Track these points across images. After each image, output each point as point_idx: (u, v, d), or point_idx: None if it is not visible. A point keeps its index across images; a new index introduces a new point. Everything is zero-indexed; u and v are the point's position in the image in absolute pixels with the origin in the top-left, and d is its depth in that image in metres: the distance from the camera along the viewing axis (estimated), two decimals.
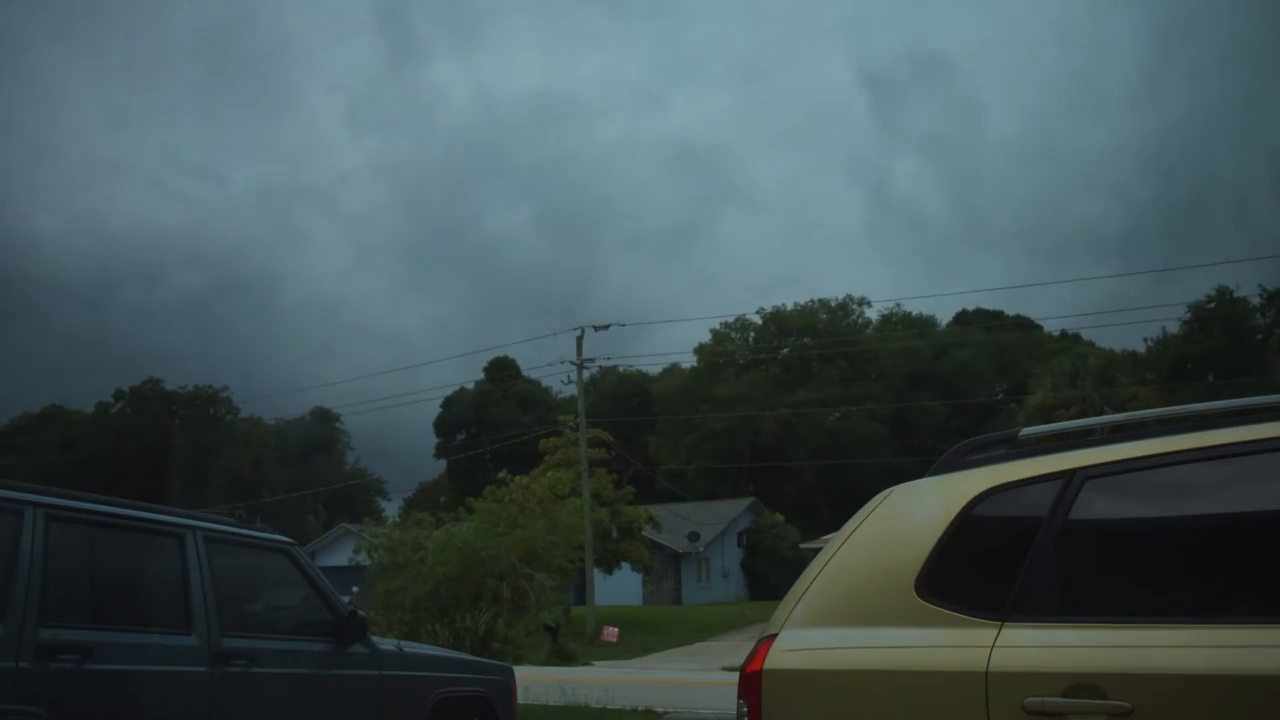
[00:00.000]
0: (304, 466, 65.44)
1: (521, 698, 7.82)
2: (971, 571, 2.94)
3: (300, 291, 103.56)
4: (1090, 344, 48.20)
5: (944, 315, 67.21)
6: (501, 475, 22.39)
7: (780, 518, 50.60)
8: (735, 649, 23.61)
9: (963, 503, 2.93)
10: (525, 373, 60.70)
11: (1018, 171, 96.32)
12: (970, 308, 65.53)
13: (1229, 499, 2.69)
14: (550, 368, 60.49)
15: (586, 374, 37.27)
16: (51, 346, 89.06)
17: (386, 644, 6.23)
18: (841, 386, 58.23)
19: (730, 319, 65.11)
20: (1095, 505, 2.78)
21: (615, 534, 35.51)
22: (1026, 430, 3.19)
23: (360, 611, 5.84)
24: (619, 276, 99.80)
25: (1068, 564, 2.77)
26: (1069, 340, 54.12)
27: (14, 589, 4.14)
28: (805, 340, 61.39)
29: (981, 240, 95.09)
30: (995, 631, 2.69)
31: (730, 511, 50.39)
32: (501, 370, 65.89)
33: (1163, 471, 2.73)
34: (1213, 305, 50.47)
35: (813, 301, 65.55)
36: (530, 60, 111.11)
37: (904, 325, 64.23)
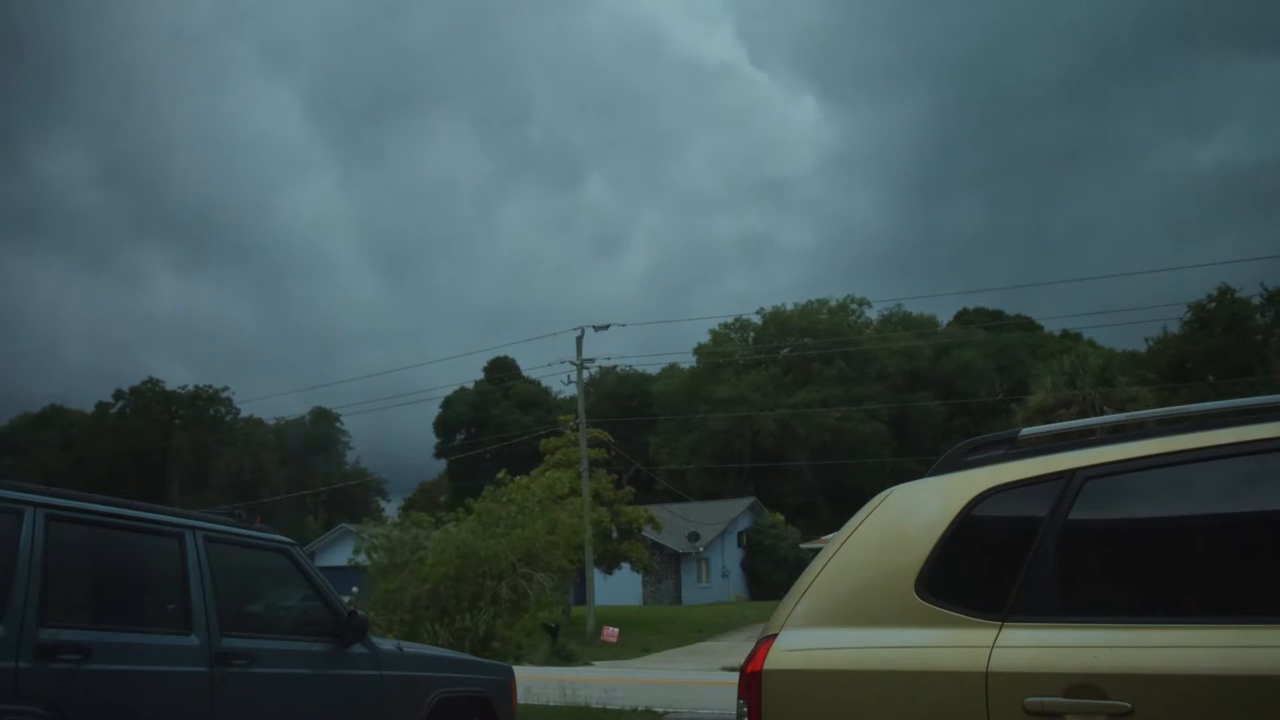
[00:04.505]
0: (304, 466, 65.42)
1: (521, 698, 7.82)
2: (972, 572, 2.94)
3: (301, 290, 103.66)
4: (1090, 344, 48.17)
5: (944, 315, 67.36)
6: (500, 476, 22.39)
7: (780, 518, 50.58)
8: (735, 649, 23.61)
9: (963, 503, 2.93)
10: (525, 373, 60.78)
11: (1017, 169, 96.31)
12: (971, 307, 65.62)
13: (1229, 499, 2.69)
14: (550, 368, 60.54)
15: (586, 374, 37.27)
16: (51, 346, 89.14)
17: (386, 644, 6.23)
18: (841, 387, 58.20)
19: (730, 319, 65.25)
20: (1095, 505, 2.78)
21: (615, 534, 35.49)
22: (1027, 430, 3.18)
23: (360, 611, 5.84)
24: (619, 276, 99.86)
25: (1068, 564, 2.77)
26: (1069, 340, 54.08)
27: (14, 589, 4.14)
28: (805, 340, 61.34)
29: (982, 239, 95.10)
30: (995, 632, 2.69)
31: (730, 511, 50.35)
32: (501, 370, 65.87)
33: (1163, 471, 2.73)
34: (1213, 305, 50.47)
35: (813, 301, 65.65)
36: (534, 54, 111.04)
37: (904, 325, 64.23)
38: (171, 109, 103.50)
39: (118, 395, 69.29)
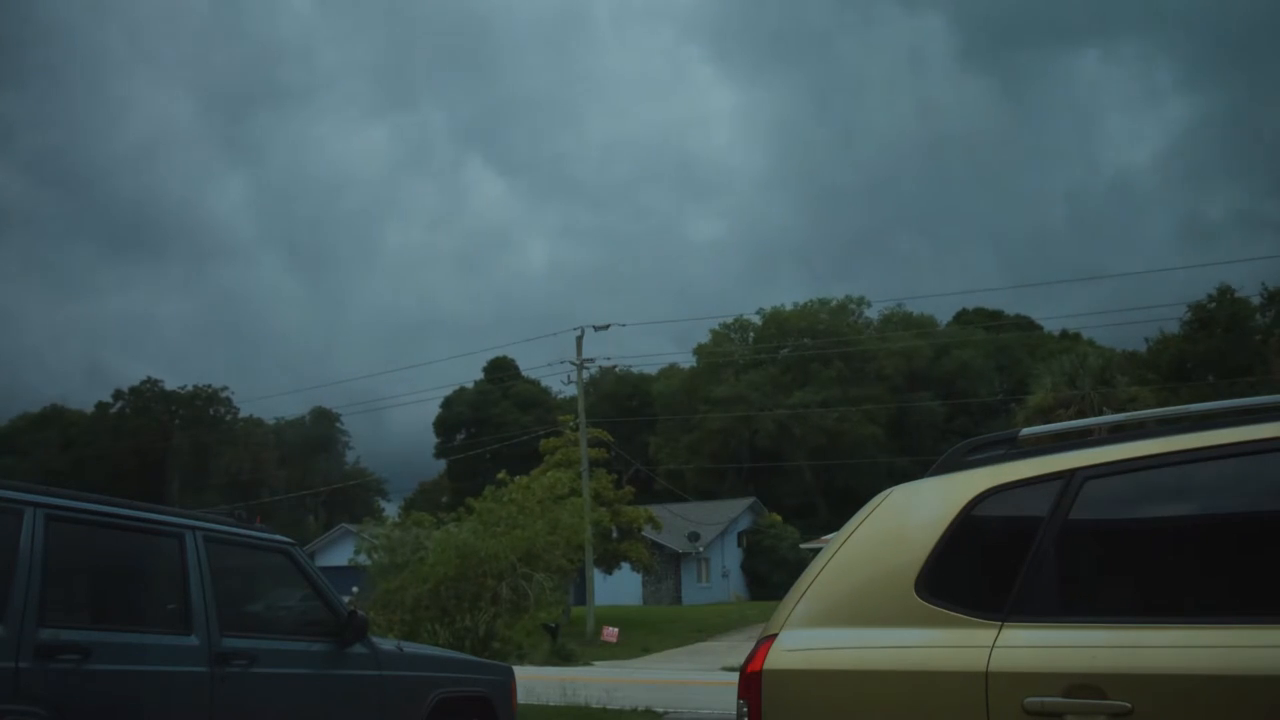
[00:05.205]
0: (304, 466, 65.40)
1: (521, 698, 7.82)
2: (972, 572, 2.94)
3: (301, 290, 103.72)
4: (1090, 344, 48.18)
5: (944, 315, 67.35)
6: (501, 476, 22.40)
7: (780, 518, 50.58)
8: (735, 649, 23.60)
9: (963, 503, 2.93)
10: (525, 373, 60.79)
11: (1017, 171, 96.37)
12: (970, 307, 65.60)
13: (1229, 499, 2.69)
14: (550, 368, 60.65)
15: (586, 374, 37.26)
16: (51, 346, 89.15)
17: (386, 644, 6.23)
18: (841, 387, 58.18)
19: (729, 319, 65.26)
20: (1095, 505, 2.78)
21: (615, 534, 35.48)
22: (1027, 430, 3.18)
23: (360, 611, 5.84)
24: (618, 277, 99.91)
25: (1068, 564, 2.77)
26: (1069, 340, 54.08)
27: (14, 589, 4.14)
28: (805, 340, 61.35)
29: (982, 239, 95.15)
30: (995, 631, 2.69)
31: (730, 511, 50.35)
32: (501, 370, 65.88)
33: (1163, 471, 2.73)
34: (1213, 305, 50.51)
35: (812, 301, 65.66)
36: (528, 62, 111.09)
37: (903, 325, 64.21)
38: (152, 105, 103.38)
39: (118, 395, 69.35)
